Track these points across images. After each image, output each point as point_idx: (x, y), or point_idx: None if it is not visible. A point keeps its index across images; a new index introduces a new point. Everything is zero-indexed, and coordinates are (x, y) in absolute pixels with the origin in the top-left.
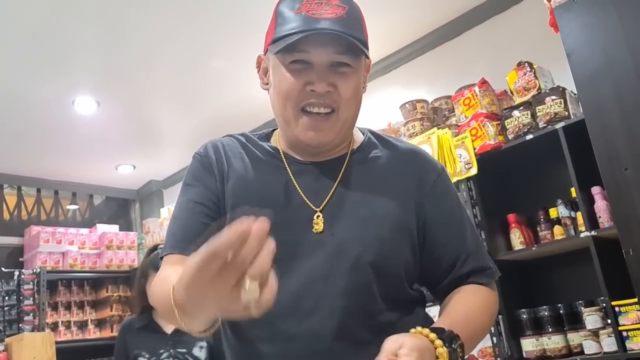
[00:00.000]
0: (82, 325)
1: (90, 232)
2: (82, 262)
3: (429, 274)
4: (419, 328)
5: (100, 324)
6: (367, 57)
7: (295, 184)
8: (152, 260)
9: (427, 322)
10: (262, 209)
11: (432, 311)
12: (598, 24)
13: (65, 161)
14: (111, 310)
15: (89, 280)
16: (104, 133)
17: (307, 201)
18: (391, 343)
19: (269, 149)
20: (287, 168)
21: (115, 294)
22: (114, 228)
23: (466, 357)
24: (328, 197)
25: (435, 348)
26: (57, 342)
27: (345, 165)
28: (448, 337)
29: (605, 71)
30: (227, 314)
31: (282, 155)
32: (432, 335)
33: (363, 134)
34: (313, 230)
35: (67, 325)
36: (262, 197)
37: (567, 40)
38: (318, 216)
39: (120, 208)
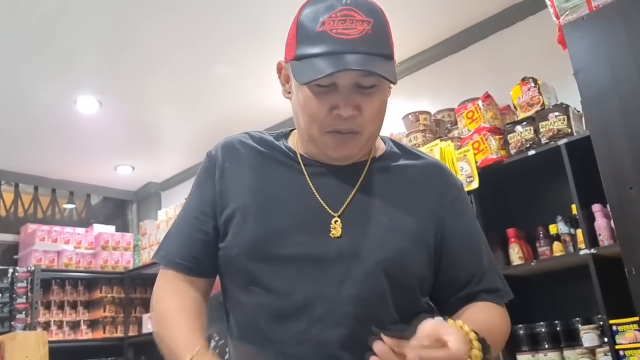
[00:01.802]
0: (74, 326)
1: (86, 231)
2: (77, 261)
3: (441, 290)
4: (458, 322)
5: (92, 324)
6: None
7: (312, 187)
8: None
9: None
10: (276, 209)
11: None
12: (606, 43)
13: (64, 160)
14: (104, 312)
15: (83, 280)
16: (104, 133)
17: (325, 205)
18: (431, 327)
19: (286, 149)
20: (304, 170)
21: (109, 295)
22: (111, 229)
23: None
24: (347, 203)
25: (471, 348)
26: (48, 342)
27: (365, 172)
28: (484, 344)
29: (613, 90)
30: None
31: (299, 157)
32: (472, 335)
33: (385, 143)
34: (330, 235)
35: (59, 325)
36: (278, 198)
37: (574, 58)
38: (336, 221)
39: (118, 209)
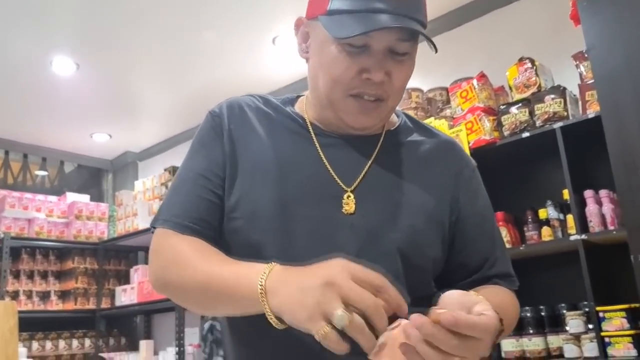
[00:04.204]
0: (44, 296)
1: (59, 200)
2: (49, 230)
3: (452, 274)
4: (479, 295)
5: (63, 295)
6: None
7: (324, 158)
8: None
9: None
10: (285, 179)
11: None
12: (622, 20)
13: (38, 124)
14: (76, 283)
15: (54, 250)
16: (81, 97)
17: (337, 178)
18: (458, 295)
19: (295, 116)
20: (315, 139)
21: (81, 266)
22: (85, 198)
23: None
24: (361, 177)
25: None
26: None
27: (380, 145)
28: (500, 321)
29: (627, 68)
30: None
31: (310, 126)
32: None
33: (398, 116)
34: (343, 210)
35: (29, 295)
36: (285, 167)
37: (588, 34)
38: (349, 196)
39: (92, 178)
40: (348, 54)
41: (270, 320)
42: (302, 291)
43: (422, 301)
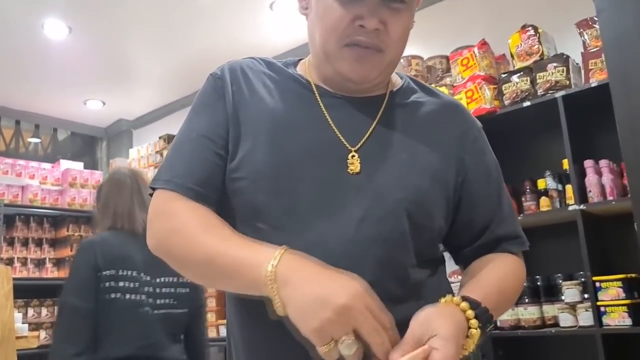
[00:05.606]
0: (39, 263)
1: (53, 167)
2: (43, 198)
3: (459, 236)
4: (455, 299)
5: (58, 263)
6: None
7: (328, 118)
8: None
9: (447, 281)
10: (289, 140)
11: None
12: None
13: (30, 89)
14: (71, 250)
15: (48, 218)
16: (74, 63)
17: (342, 138)
18: (419, 327)
19: (299, 77)
20: (319, 100)
21: (76, 234)
22: (79, 165)
23: None
24: (366, 137)
25: (469, 327)
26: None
27: (385, 104)
28: (484, 317)
29: (637, 33)
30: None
31: (313, 86)
32: (470, 313)
33: (401, 78)
34: (348, 170)
35: (24, 262)
36: (289, 128)
37: None
38: (353, 156)
39: (86, 145)
40: (341, 2)
41: (276, 307)
42: (320, 303)
43: (428, 264)
